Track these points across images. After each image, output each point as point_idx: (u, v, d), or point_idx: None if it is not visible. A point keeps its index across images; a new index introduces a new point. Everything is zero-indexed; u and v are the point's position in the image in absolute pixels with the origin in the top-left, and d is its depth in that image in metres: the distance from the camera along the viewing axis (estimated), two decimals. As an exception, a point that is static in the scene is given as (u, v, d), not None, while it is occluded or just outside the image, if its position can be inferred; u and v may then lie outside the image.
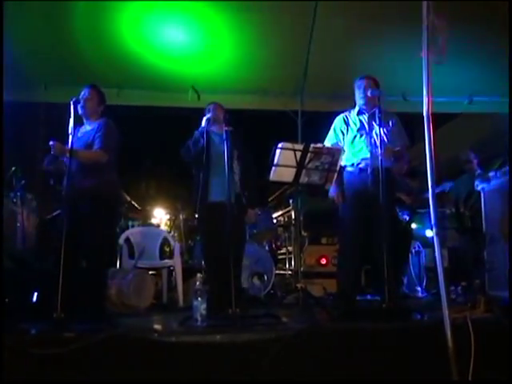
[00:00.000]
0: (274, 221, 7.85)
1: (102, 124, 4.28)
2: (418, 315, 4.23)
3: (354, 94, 4.69)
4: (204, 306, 3.85)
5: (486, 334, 3.44)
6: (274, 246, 7.56)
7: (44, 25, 5.48)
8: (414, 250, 6.66)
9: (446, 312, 3.18)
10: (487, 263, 5.62)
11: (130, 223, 6.55)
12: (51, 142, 4.01)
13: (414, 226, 6.61)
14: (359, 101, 4.60)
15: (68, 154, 3.99)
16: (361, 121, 4.59)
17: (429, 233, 6.41)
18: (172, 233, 6.91)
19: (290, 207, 7.19)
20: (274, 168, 4.18)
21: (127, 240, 5.84)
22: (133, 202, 6.73)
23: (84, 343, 3.22)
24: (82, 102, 4.24)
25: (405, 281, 6.31)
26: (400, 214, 6.20)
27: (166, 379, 3.31)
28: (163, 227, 7.05)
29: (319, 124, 5.44)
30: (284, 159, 4.17)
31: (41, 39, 5.62)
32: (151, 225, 6.86)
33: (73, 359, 3.22)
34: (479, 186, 5.89)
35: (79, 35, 5.63)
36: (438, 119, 3.64)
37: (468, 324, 3.41)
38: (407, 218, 6.34)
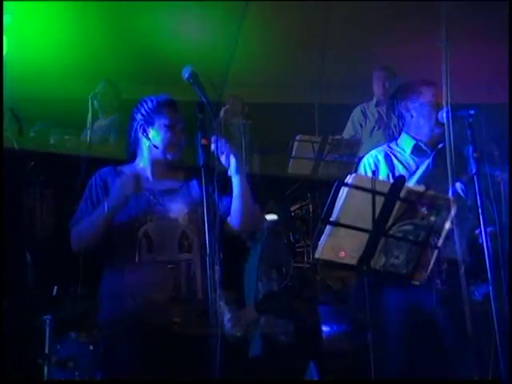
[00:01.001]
0: (292, 213, 7.82)
1: (116, 119, 4.30)
2: (437, 308, 4.19)
3: (372, 85, 4.65)
4: (223, 298, 3.85)
5: (508, 327, 3.40)
6: (292, 238, 7.52)
7: (60, 21, 5.50)
8: (433, 243, 6.57)
9: (466, 305, 3.15)
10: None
11: (149, 217, 6.54)
12: None
13: (433, 218, 6.52)
14: (377, 92, 4.57)
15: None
16: (379, 112, 4.55)
17: (449, 224, 6.33)
18: (190, 226, 6.88)
19: (308, 200, 7.15)
20: (292, 160, 4.17)
21: (146, 234, 5.83)
22: (151, 196, 6.72)
23: (103, 335, 3.25)
24: (98, 96, 4.27)
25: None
26: (419, 206, 6.12)
27: (186, 371, 3.32)
28: (181, 221, 7.01)
29: (337, 116, 5.39)
30: (302, 151, 4.17)
31: (57, 35, 5.63)
32: (169, 219, 6.84)
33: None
34: (499, 176, 5.81)
35: (96, 31, 5.65)
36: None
37: (490, 317, 3.38)
38: (426, 211, 6.25)
